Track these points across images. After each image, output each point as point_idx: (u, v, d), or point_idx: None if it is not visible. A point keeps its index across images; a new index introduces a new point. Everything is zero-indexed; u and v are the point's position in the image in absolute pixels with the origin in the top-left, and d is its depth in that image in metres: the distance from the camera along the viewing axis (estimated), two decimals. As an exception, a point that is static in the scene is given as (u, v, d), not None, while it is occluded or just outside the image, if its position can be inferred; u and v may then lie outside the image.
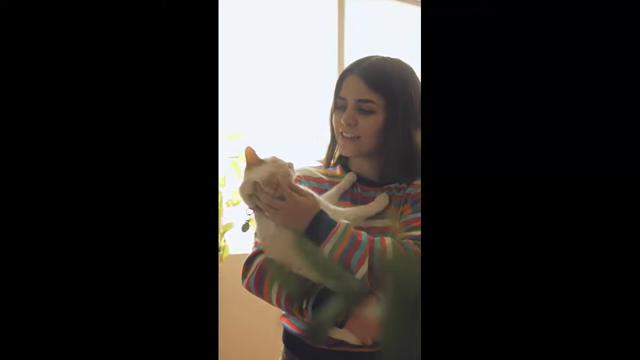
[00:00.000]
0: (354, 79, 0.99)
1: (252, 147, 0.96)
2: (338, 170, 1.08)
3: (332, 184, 1.04)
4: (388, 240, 0.91)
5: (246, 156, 0.96)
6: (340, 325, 0.89)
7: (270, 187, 0.91)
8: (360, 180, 1.04)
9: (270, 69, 2.37)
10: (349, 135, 1.00)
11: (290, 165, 0.96)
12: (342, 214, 0.95)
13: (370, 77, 0.97)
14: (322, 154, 1.12)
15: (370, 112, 0.97)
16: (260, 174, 0.93)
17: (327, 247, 0.89)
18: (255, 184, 0.92)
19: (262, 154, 0.98)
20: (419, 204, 0.95)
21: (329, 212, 0.94)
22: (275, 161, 0.95)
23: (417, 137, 0.99)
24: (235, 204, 1.64)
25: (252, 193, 0.93)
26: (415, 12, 2.76)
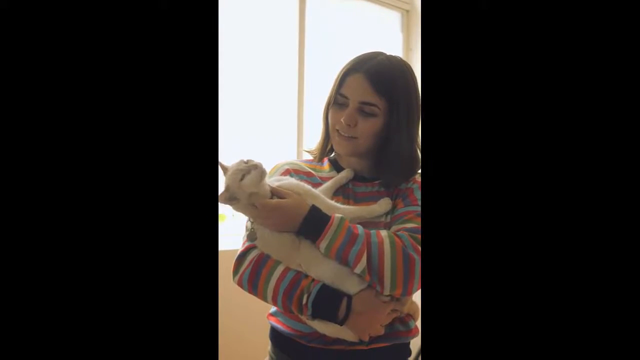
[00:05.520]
0: (359, 78, 0.95)
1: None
2: (326, 165, 1.06)
3: (322, 178, 1.02)
4: (384, 232, 0.88)
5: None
6: (341, 322, 0.86)
7: (241, 198, 0.87)
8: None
9: (231, 68, 2.32)
10: (346, 135, 0.97)
11: (252, 168, 0.88)
12: (340, 211, 0.92)
13: (376, 80, 0.94)
14: (306, 144, 1.09)
15: (372, 114, 0.95)
16: (226, 184, 0.88)
17: (323, 244, 0.86)
18: (225, 195, 0.88)
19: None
20: (409, 199, 0.95)
21: (329, 210, 0.91)
22: (233, 171, 0.89)
23: (417, 140, 0.99)
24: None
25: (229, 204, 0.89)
26: (374, 10, 2.85)
